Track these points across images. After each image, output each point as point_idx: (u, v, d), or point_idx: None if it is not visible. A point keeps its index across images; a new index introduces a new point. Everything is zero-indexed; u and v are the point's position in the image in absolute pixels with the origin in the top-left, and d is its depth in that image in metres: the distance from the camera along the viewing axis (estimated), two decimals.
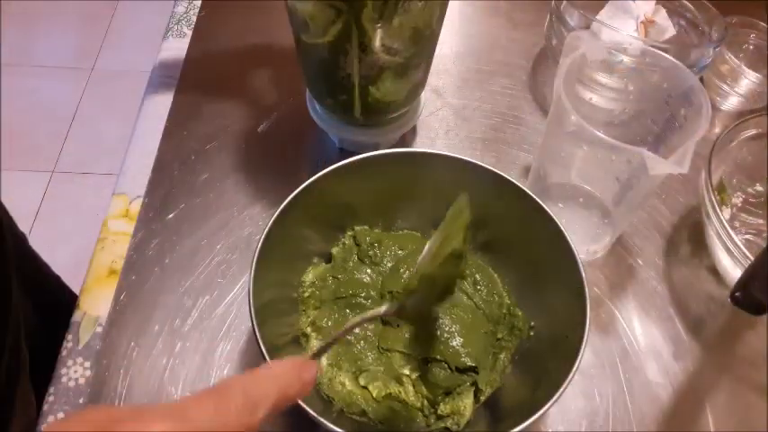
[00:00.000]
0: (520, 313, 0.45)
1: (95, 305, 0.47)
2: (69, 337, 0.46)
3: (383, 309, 0.36)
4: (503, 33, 0.70)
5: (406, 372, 0.42)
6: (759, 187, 0.56)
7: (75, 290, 0.50)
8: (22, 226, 0.60)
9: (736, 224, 0.55)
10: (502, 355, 0.44)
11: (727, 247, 0.45)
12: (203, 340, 0.46)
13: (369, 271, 0.46)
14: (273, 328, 0.39)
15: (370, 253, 0.46)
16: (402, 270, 0.45)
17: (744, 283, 0.35)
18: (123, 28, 1.85)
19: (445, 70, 0.66)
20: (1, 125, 1.50)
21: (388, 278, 0.45)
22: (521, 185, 0.43)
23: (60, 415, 0.43)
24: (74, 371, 0.44)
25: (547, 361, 0.40)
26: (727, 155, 0.53)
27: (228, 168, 0.56)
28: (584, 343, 0.36)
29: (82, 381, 0.44)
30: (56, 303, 0.55)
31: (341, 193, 0.45)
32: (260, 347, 0.35)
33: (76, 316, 0.47)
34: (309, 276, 0.46)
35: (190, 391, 0.44)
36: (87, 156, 1.56)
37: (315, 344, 0.43)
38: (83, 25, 1.85)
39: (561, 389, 0.35)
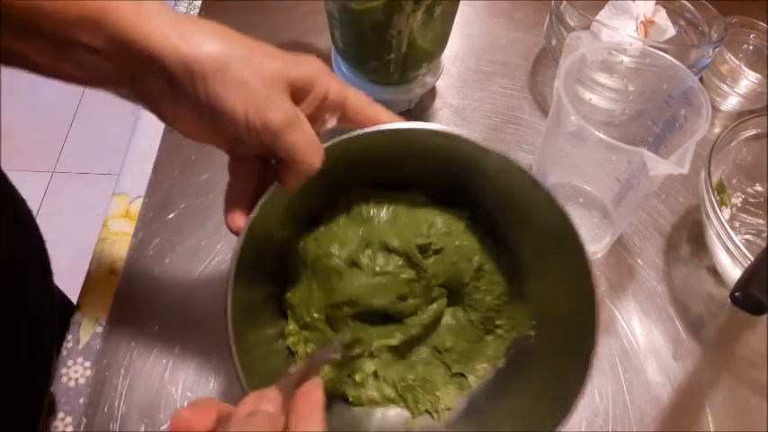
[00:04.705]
0: (521, 304, 0.43)
1: (95, 305, 0.47)
2: (69, 336, 0.46)
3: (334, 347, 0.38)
4: (503, 33, 0.70)
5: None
6: (759, 187, 0.56)
7: (76, 289, 0.50)
8: None
9: (736, 224, 0.55)
10: (497, 344, 0.43)
11: (727, 247, 0.45)
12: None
13: (358, 229, 0.42)
14: (255, 297, 0.38)
15: (364, 212, 0.43)
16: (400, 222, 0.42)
17: (744, 283, 0.35)
18: None
19: (445, 70, 0.66)
20: (1, 125, 1.50)
21: (380, 228, 0.42)
22: (531, 173, 0.38)
23: (60, 415, 0.43)
24: (74, 371, 0.44)
25: (550, 367, 0.38)
26: (726, 155, 0.53)
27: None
28: (593, 353, 0.34)
29: (82, 381, 0.44)
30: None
31: (339, 163, 0.38)
32: (226, 310, 0.32)
33: (76, 316, 0.47)
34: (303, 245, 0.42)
35: (189, 392, 0.44)
36: (87, 156, 1.56)
37: (292, 327, 0.42)
38: None
39: (570, 410, 0.33)
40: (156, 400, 0.43)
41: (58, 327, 0.50)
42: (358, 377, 0.41)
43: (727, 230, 0.45)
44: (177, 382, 0.44)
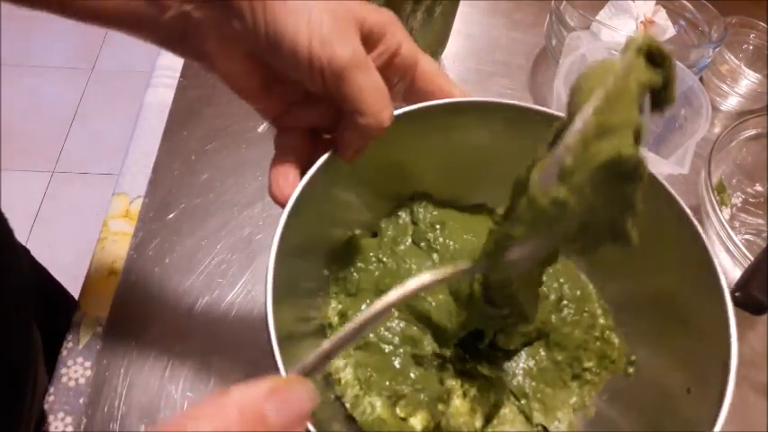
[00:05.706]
0: (616, 341, 0.36)
1: (95, 305, 0.47)
2: (69, 337, 0.46)
3: (449, 270, 0.26)
4: (503, 33, 0.70)
5: (452, 383, 0.34)
6: (759, 187, 0.56)
7: (76, 289, 0.50)
8: (23, 226, 0.60)
9: (736, 224, 0.55)
10: (583, 390, 0.36)
11: (727, 247, 0.45)
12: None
13: (424, 259, 0.36)
14: (293, 311, 0.32)
15: (429, 236, 0.36)
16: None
17: (744, 283, 0.35)
18: None
19: (445, 70, 0.66)
20: (1, 125, 1.50)
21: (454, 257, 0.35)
22: (657, 174, 0.31)
23: (60, 415, 0.43)
24: (74, 371, 0.44)
25: (654, 417, 0.31)
26: (727, 155, 0.53)
27: (228, 168, 0.56)
28: (722, 410, 0.26)
29: (82, 381, 0.44)
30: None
31: (398, 150, 0.34)
32: (269, 334, 0.26)
33: (77, 316, 0.47)
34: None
35: (189, 392, 0.44)
36: (87, 156, 1.56)
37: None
38: (83, 25, 1.85)
39: None
40: (156, 400, 0.43)
41: (50, 314, 0.49)
42: (420, 428, 0.32)
43: (727, 230, 0.44)
44: (177, 381, 0.44)
